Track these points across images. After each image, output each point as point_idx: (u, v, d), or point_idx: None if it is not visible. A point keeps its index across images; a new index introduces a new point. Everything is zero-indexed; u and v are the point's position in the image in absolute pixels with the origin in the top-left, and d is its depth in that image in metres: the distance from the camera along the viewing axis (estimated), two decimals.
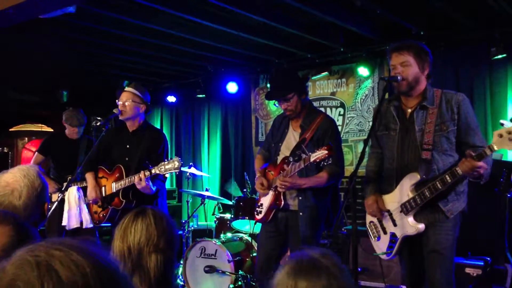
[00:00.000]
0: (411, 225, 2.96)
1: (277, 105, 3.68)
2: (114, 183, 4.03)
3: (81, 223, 4.42)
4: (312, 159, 3.26)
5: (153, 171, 3.75)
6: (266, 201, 3.66)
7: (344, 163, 3.71)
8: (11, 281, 0.69)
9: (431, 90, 3.02)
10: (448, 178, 2.80)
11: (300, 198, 3.52)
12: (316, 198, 3.52)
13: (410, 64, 2.95)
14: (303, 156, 3.35)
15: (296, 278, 1.32)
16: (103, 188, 4.12)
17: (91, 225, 4.31)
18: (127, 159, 4.06)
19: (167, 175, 3.94)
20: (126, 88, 4.18)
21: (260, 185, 3.65)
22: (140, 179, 3.74)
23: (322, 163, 3.28)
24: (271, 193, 3.62)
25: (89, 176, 4.18)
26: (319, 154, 3.23)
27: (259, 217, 3.69)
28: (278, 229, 3.64)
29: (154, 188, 3.89)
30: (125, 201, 3.98)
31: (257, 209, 3.74)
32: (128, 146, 4.12)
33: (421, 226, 2.94)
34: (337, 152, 3.51)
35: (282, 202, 3.55)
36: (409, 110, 3.04)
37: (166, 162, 3.74)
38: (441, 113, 2.94)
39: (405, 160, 3.01)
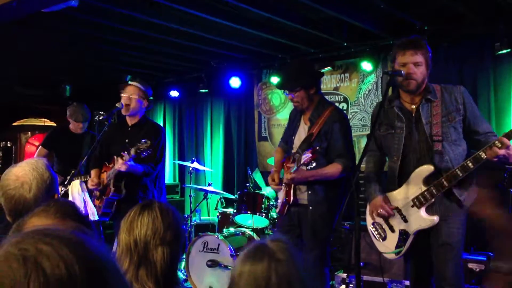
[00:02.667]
0: (424, 218, 2.95)
1: (286, 93, 3.74)
2: (106, 173, 4.16)
3: (86, 215, 4.44)
4: (302, 161, 3.32)
5: (131, 151, 3.82)
6: (280, 196, 3.75)
7: (354, 155, 3.68)
8: None
9: (431, 85, 3.04)
10: (470, 164, 2.78)
11: (309, 192, 3.56)
12: (325, 191, 3.55)
13: (422, 64, 2.96)
14: (297, 155, 3.45)
15: (243, 262, 1.40)
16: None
17: (97, 218, 4.34)
18: (126, 153, 4.11)
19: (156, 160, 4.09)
20: (132, 82, 4.23)
21: (271, 181, 3.73)
22: (121, 163, 3.83)
23: (309, 165, 3.34)
24: (284, 188, 3.68)
25: (92, 172, 4.30)
26: (306, 156, 3.30)
27: (277, 211, 3.85)
28: (291, 223, 3.70)
29: (141, 170, 4.00)
30: (114, 189, 4.06)
31: (276, 203, 3.84)
32: (127, 140, 4.18)
33: (436, 218, 2.93)
34: (345, 144, 3.54)
35: (291, 198, 3.61)
36: (414, 107, 3.04)
37: (142, 142, 3.81)
38: (446, 104, 2.97)
39: (415, 154, 3.01)
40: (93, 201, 4.34)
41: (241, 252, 1.46)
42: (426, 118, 2.98)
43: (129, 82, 4.24)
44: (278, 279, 1.33)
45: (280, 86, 3.87)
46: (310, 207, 3.56)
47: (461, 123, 2.97)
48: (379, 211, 3.10)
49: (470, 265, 4.26)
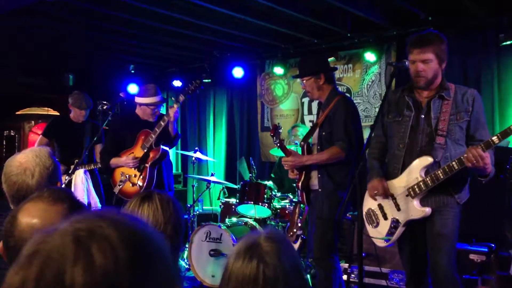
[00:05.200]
0: (416, 209, 2.98)
1: (302, 83, 4.00)
2: (143, 145, 4.39)
3: (89, 204, 4.48)
4: None
5: (180, 98, 4.36)
6: None
7: (355, 139, 3.69)
8: (50, 251, 0.69)
9: (447, 83, 3.05)
10: (461, 160, 2.81)
11: (319, 176, 3.71)
12: (333, 174, 3.67)
13: (432, 60, 2.95)
14: (302, 144, 3.85)
15: (234, 257, 1.40)
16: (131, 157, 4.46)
17: (100, 207, 4.39)
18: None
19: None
20: (154, 99, 4.53)
21: (291, 172, 3.85)
22: (174, 110, 4.26)
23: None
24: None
25: (115, 159, 4.46)
26: None
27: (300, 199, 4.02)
28: (313, 211, 3.83)
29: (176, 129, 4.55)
30: (161, 146, 4.39)
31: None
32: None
33: (428, 209, 2.97)
34: (345, 129, 3.62)
35: (299, 184, 3.78)
36: (425, 100, 3.06)
37: (190, 85, 4.39)
38: (457, 103, 2.99)
39: (417, 145, 3.03)
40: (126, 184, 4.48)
41: (236, 245, 1.46)
42: (435, 113, 3.00)
43: (151, 99, 4.53)
44: (263, 282, 1.34)
45: (294, 75, 4.14)
46: (320, 190, 3.69)
47: (466, 125, 2.99)
48: (375, 192, 3.13)
49: (471, 256, 4.27)
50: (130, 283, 0.70)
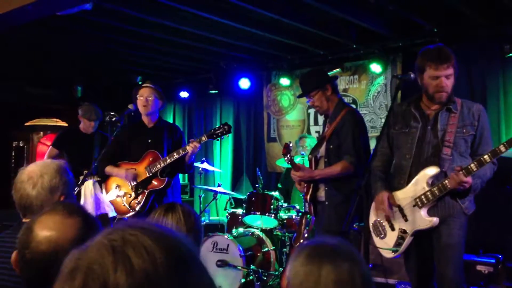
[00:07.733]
0: (424, 219, 2.99)
1: (307, 101, 3.99)
2: (148, 167, 4.25)
3: (106, 214, 4.49)
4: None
5: (203, 138, 4.16)
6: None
7: (363, 153, 3.69)
8: (89, 264, 0.74)
9: (453, 96, 3.07)
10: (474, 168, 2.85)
11: (326, 189, 3.72)
12: (337, 187, 3.67)
13: (452, 75, 2.98)
14: (310, 157, 3.87)
15: (320, 262, 1.31)
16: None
17: (115, 214, 4.41)
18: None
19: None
20: (147, 84, 4.35)
21: (298, 185, 3.88)
22: (195, 146, 4.10)
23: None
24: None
25: (111, 168, 4.36)
26: None
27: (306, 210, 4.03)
28: (319, 221, 3.86)
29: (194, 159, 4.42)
30: (167, 178, 4.26)
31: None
32: (149, 140, 4.36)
33: (435, 219, 2.97)
34: (353, 142, 3.63)
35: (308, 197, 3.79)
36: (433, 112, 3.08)
37: (216, 128, 4.15)
38: (463, 117, 3.02)
39: (423, 156, 3.05)
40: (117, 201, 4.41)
41: (301, 252, 1.37)
42: (442, 125, 3.02)
43: (145, 85, 4.37)
44: (361, 280, 1.31)
45: (299, 95, 4.05)
46: (327, 202, 3.69)
47: (472, 138, 3.02)
48: (380, 207, 3.14)
49: (479, 267, 4.26)
50: (171, 284, 0.75)
